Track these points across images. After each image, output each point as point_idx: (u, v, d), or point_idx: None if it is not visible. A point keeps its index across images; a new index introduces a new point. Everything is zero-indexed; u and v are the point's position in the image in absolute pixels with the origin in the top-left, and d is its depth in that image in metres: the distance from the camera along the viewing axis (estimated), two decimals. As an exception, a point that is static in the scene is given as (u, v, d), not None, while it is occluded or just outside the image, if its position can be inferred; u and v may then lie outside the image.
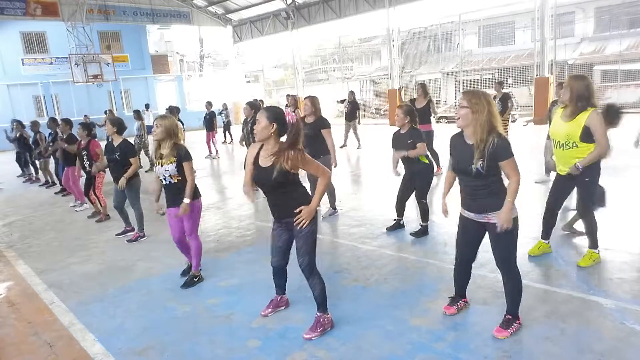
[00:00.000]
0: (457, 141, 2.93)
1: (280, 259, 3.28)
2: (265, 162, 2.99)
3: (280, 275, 3.43)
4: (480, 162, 2.70)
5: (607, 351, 2.70)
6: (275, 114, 2.96)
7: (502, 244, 2.87)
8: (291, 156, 2.87)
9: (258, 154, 3.06)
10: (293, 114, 10.32)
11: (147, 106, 19.93)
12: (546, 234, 4.14)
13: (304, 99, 5.82)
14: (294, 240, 3.13)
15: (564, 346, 2.78)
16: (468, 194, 2.91)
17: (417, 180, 4.89)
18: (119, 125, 5.51)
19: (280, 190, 3.00)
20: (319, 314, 3.20)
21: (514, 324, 2.95)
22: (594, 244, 3.87)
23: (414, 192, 4.96)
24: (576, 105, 3.53)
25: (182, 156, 3.96)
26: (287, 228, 3.13)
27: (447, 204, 3.22)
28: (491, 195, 2.81)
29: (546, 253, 4.14)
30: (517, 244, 2.90)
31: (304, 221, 2.96)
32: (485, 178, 2.76)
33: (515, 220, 2.82)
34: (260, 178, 3.04)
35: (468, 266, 3.16)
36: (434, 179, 7.82)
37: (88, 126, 6.66)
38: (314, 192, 3.04)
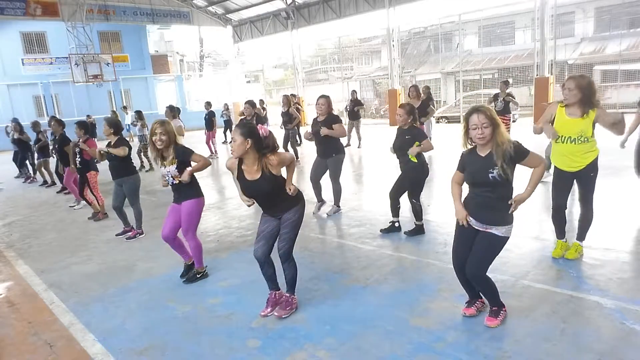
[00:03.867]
0: (470, 157, 2.97)
1: (264, 243, 3.35)
2: (251, 175, 3.20)
3: (266, 267, 3.41)
4: (497, 169, 2.78)
5: (607, 351, 2.70)
6: (249, 130, 3.13)
7: (481, 256, 2.94)
8: (272, 160, 3.15)
9: (240, 169, 3.25)
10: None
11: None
12: (560, 232, 4.15)
13: (318, 98, 5.82)
14: (280, 227, 3.33)
15: (564, 346, 2.78)
16: (478, 204, 2.95)
17: (406, 180, 4.90)
18: (116, 127, 5.61)
19: (272, 196, 3.25)
20: (287, 295, 3.47)
21: (501, 312, 3.09)
22: (582, 237, 4.05)
23: (406, 192, 4.96)
24: (587, 103, 3.69)
25: (182, 156, 4.00)
26: (277, 218, 3.36)
27: (465, 211, 3.00)
28: (500, 210, 2.89)
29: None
30: (492, 261, 2.98)
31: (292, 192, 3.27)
32: (501, 187, 2.83)
33: (506, 240, 2.94)
34: (251, 190, 3.25)
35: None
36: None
37: (85, 125, 6.75)
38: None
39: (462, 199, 3.06)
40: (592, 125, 3.72)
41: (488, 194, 2.88)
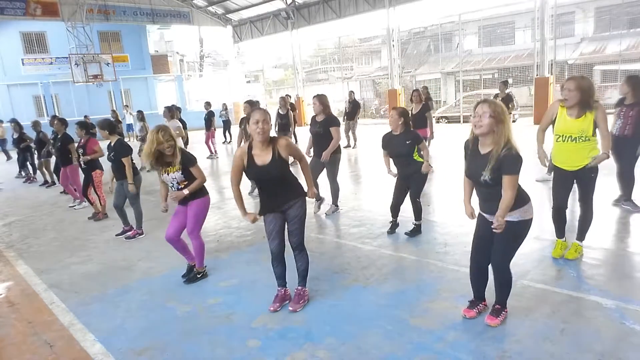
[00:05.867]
0: (472, 148, 2.96)
1: (280, 240, 3.44)
2: (261, 160, 3.23)
3: (280, 262, 3.51)
4: (487, 173, 2.78)
5: (607, 351, 2.70)
6: (269, 114, 3.27)
7: (504, 244, 2.92)
8: (283, 144, 3.23)
9: (251, 155, 3.27)
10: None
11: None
12: (560, 231, 4.15)
13: (313, 98, 5.87)
14: (287, 224, 3.44)
15: (564, 346, 2.78)
16: (481, 198, 3.01)
17: (411, 180, 4.86)
18: (109, 127, 5.65)
19: (281, 182, 3.31)
20: (299, 287, 3.56)
21: (503, 312, 3.10)
22: (582, 238, 4.04)
23: (409, 192, 4.93)
24: (586, 104, 3.71)
25: (187, 162, 4.01)
26: (282, 214, 3.41)
27: (471, 207, 3.16)
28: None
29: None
30: (519, 247, 2.96)
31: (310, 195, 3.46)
32: (494, 187, 2.82)
33: (527, 223, 2.90)
34: (261, 175, 3.28)
35: (483, 267, 3.12)
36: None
37: (85, 125, 6.83)
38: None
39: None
40: (593, 124, 3.75)
41: (485, 190, 2.91)
